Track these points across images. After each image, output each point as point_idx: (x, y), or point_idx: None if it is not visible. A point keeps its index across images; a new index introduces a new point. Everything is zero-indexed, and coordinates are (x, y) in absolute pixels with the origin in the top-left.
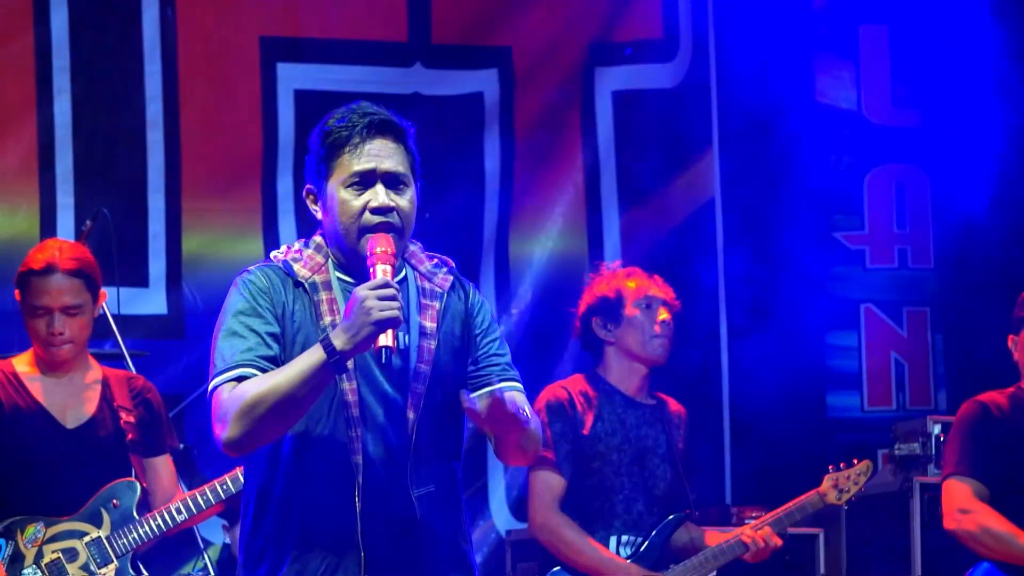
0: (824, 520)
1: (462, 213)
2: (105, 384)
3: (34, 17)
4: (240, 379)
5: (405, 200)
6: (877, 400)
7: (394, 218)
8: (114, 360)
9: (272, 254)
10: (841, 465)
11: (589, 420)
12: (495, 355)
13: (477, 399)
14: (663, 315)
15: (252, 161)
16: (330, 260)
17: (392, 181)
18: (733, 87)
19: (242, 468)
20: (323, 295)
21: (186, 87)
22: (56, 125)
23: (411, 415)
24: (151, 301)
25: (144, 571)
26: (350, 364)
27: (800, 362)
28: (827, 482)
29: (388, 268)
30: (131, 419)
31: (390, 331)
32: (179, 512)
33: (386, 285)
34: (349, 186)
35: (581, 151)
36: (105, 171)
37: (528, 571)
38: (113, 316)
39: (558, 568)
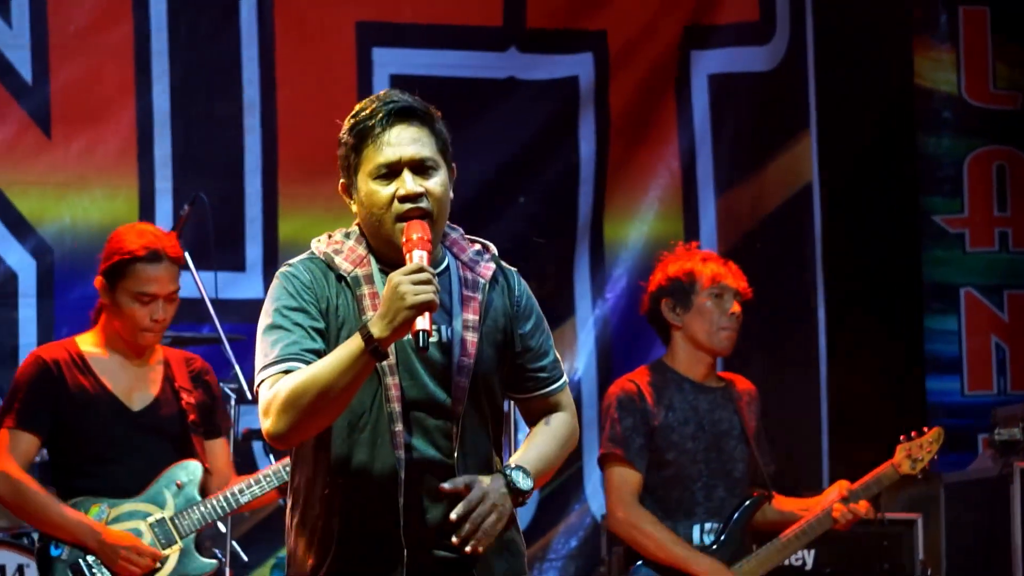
0: (922, 505)
1: (557, 197)
2: (167, 365)
3: (133, 2)
4: (286, 372)
5: (434, 183)
6: (977, 384)
7: (424, 203)
8: (212, 344)
9: (313, 244)
10: (912, 434)
11: (660, 411)
12: (541, 355)
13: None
14: (733, 307)
15: None
16: (371, 252)
17: (419, 167)
18: (831, 70)
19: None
20: (365, 289)
21: (283, 72)
22: (155, 110)
23: (456, 409)
24: (248, 285)
25: (219, 554)
26: (392, 359)
27: (899, 346)
28: (900, 452)
29: (424, 254)
30: (192, 400)
31: (427, 315)
32: (242, 493)
33: (420, 270)
34: (377, 177)
35: (676, 135)
36: (203, 156)
37: (623, 555)
38: (211, 300)
39: (641, 563)
